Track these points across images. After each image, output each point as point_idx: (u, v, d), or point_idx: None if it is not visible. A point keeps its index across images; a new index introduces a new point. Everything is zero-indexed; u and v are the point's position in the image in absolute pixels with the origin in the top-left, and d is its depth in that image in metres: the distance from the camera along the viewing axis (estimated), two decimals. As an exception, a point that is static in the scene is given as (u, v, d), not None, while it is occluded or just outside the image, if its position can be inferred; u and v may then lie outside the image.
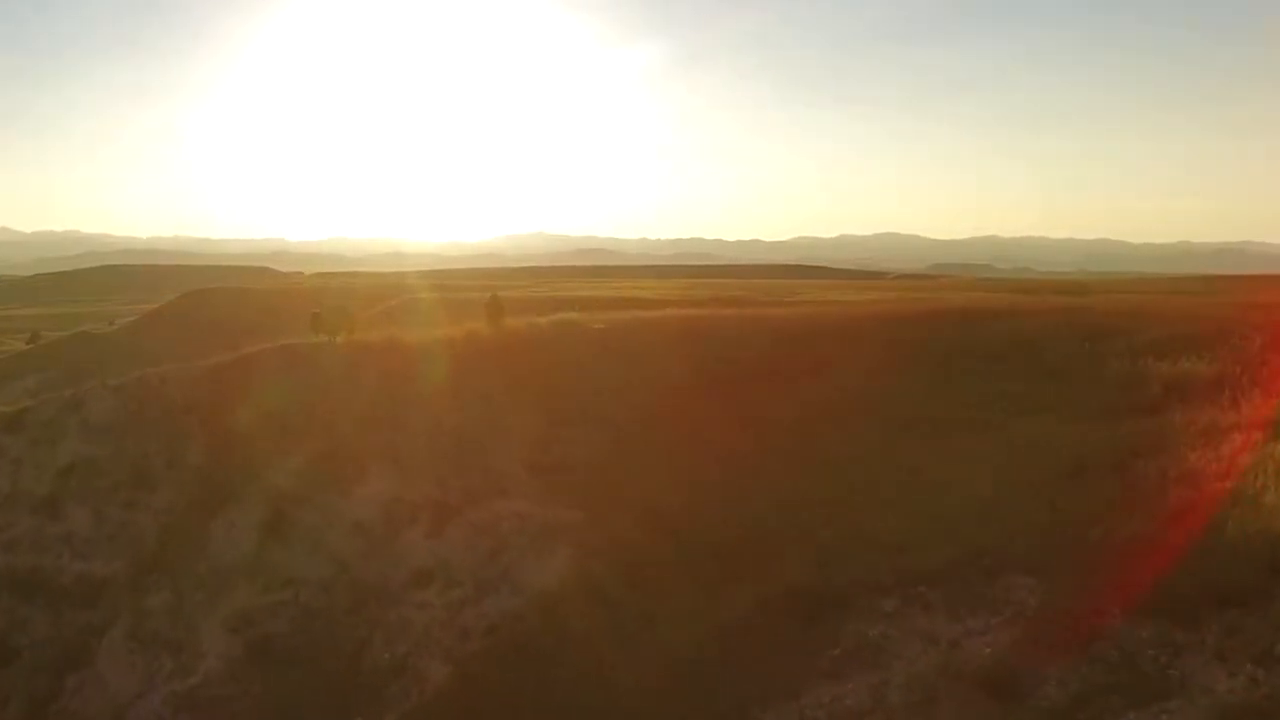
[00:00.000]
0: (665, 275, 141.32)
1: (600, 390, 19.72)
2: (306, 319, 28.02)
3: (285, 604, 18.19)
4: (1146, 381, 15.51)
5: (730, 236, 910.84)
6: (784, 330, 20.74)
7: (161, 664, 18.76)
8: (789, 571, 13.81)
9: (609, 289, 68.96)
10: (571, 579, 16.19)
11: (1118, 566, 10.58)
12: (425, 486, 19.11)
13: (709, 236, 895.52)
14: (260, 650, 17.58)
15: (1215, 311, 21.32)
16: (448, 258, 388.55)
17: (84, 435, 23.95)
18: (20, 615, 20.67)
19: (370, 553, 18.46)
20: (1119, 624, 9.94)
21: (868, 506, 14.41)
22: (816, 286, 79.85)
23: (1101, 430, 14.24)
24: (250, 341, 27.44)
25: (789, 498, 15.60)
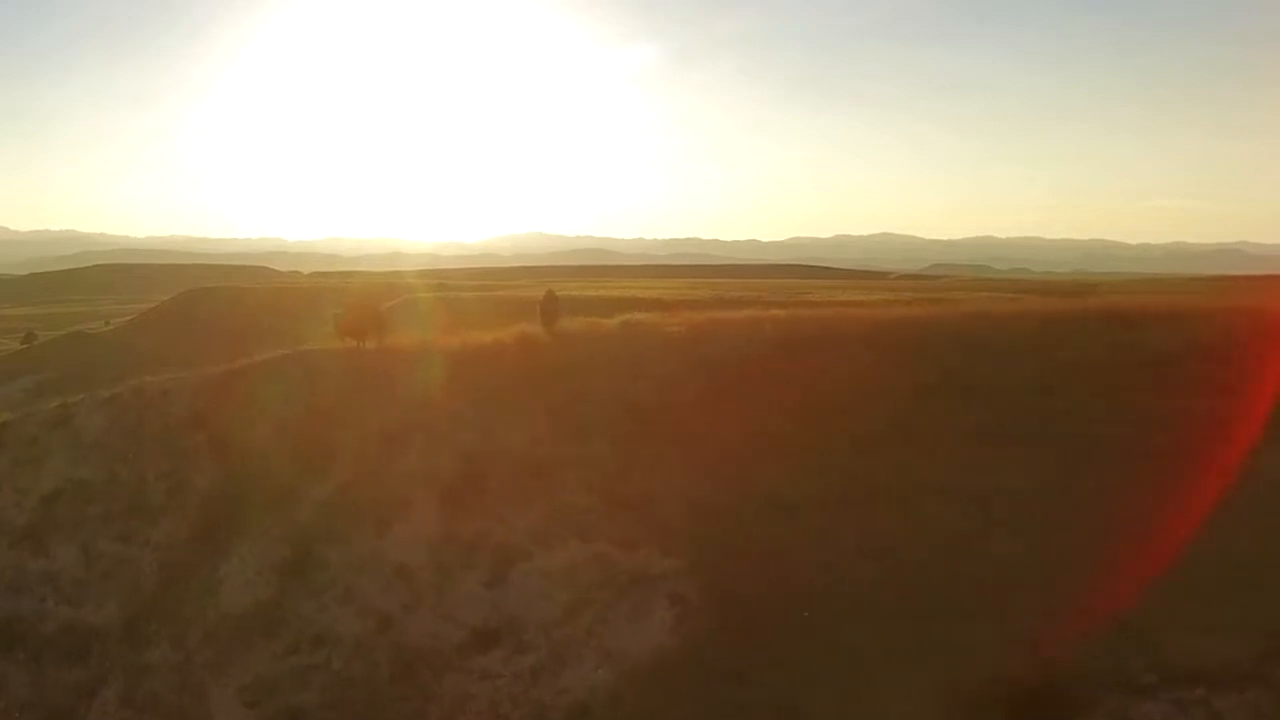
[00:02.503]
0: (673, 275, 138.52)
1: (690, 406, 16.45)
2: (322, 320, 24.81)
3: (315, 669, 14.95)
4: None
5: (726, 236, 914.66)
6: (893, 336, 17.47)
7: (163, 736, 15.61)
8: (984, 652, 10.61)
9: (617, 289, 65.70)
10: (677, 646, 12.95)
11: None
12: (481, 523, 15.82)
13: (705, 236, 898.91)
14: (285, 729, 14.37)
15: None
16: (445, 257, 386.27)
17: (72, 455, 20.75)
18: (-5, 672, 17.48)
19: (416, 605, 15.20)
20: None
21: (1077, 563, 11.18)
22: (828, 286, 76.54)
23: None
24: (249, 341, 24.37)
25: (954, 542, 12.37)
